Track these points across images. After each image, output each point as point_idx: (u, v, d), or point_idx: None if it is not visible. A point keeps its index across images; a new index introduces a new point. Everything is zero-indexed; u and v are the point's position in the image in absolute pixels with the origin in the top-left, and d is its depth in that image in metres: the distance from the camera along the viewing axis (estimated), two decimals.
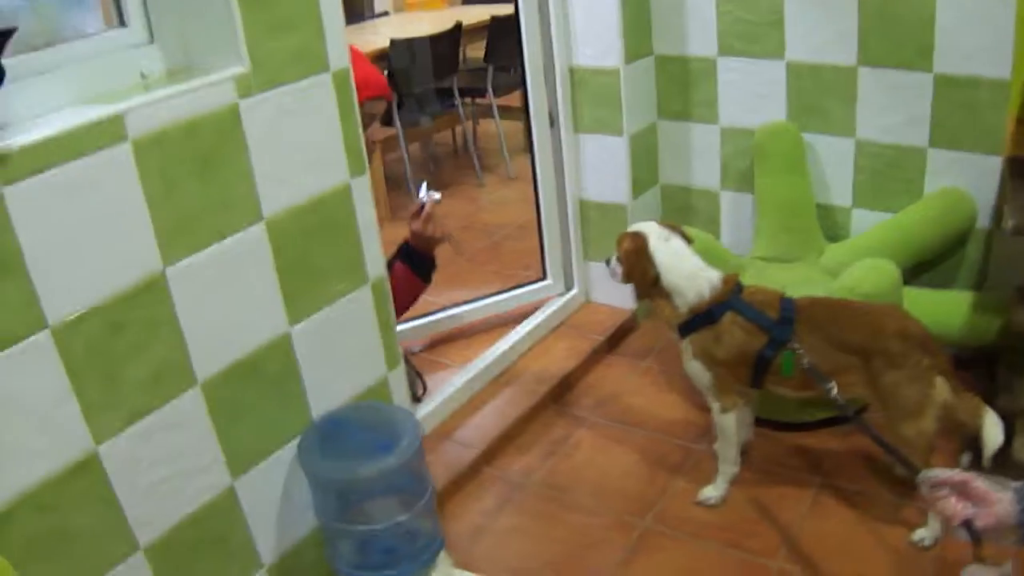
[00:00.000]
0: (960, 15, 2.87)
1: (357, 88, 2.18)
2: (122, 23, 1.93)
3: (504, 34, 5.46)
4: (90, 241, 1.67)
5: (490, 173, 5.89)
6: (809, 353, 2.36)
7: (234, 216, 1.94)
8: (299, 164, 2.07)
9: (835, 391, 2.26)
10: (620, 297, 3.68)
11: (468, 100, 5.98)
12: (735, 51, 3.38)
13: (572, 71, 3.43)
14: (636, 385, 3.37)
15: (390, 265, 2.51)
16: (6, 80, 1.55)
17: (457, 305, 3.65)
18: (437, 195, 2.70)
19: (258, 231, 2.00)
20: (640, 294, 2.65)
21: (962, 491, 1.63)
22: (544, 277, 3.72)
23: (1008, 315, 2.83)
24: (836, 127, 3.29)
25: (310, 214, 2.12)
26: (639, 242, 2.58)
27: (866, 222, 3.33)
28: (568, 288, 3.75)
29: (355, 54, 2.28)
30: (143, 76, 1.92)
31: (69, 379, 1.68)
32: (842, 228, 3.42)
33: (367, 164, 2.27)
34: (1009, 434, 2.32)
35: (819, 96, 3.28)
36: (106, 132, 1.66)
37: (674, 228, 2.66)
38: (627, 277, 2.62)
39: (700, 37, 3.43)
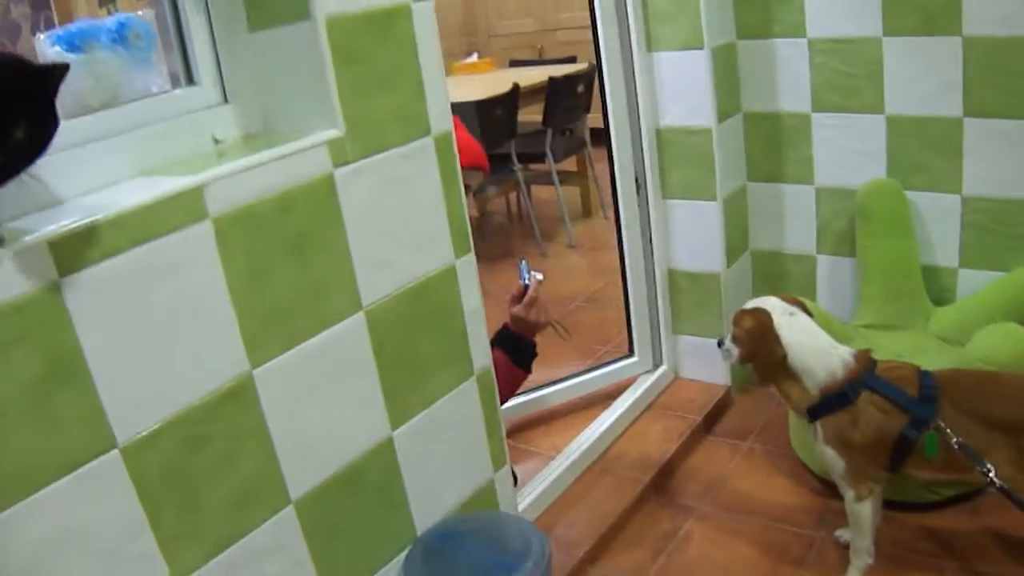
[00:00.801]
0: None
1: None
2: (191, 82, 1.59)
3: (562, 96, 5.12)
4: (164, 341, 1.31)
5: (550, 241, 5.48)
6: (954, 432, 2.04)
7: (330, 306, 1.57)
8: (401, 243, 1.71)
9: (993, 472, 1.94)
10: (712, 373, 3.32)
11: (523, 165, 5.59)
12: (831, 106, 3.02)
13: (659, 132, 3.07)
14: (742, 468, 2.98)
15: None
16: (60, 148, 1.20)
17: (540, 387, 3.24)
18: (540, 275, 2.38)
19: (357, 322, 1.63)
20: (763, 377, 2.30)
21: None
22: (631, 354, 3.33)
23: None
24: (941, 183, 2.94)
25: (413, 301, 1.75)
26: (764, 319, 2.23)
27: (973, 283, 2.98)
28: (657, 364, 3.36)
29: None
30: (216, 141, 1.58)
31: (143, 507, 1.30)
32: (947, 290, 3.04)
33: (472, 242, 1.90)
34: None
35: (922, 151, 2.92)
36: (181, 209, 1.31)
37: (796, 301, 2.33)
38: (748, 358, 2.28)
39: (793, 92, 3.08)
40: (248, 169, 1.40)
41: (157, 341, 1.29)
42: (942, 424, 2.04)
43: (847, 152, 3.05)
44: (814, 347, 2.21)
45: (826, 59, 2.95)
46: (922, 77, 2.83)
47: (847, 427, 2.17)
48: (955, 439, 2.00)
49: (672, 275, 3.27)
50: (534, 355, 2.38)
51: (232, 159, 1.44)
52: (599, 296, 4.27)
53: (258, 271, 1.43)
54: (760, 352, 2.23)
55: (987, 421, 2.07)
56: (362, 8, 1.57)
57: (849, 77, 2.94)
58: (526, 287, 2.33)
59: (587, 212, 5.79)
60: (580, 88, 5.31)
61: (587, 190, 5.76)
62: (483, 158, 2.24)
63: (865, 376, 2.17)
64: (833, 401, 2.18)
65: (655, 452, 2.94)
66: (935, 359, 2.64)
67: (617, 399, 3.18)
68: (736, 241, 3.24)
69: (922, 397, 2.12)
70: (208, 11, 1.56)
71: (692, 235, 3.17)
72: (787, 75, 3.05)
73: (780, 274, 3.35)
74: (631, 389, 3.24)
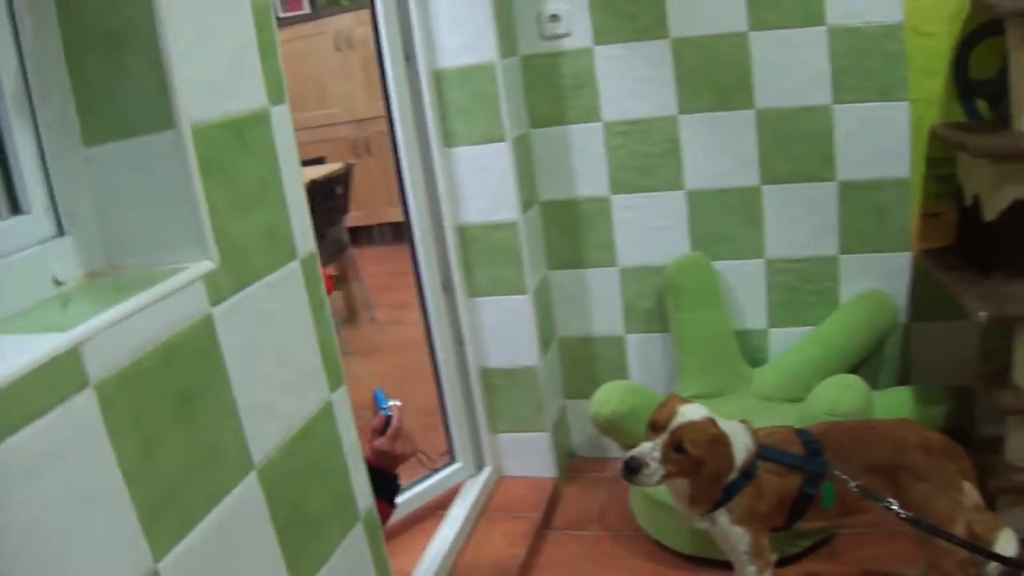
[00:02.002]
0: (858, 123, 2.74)
1: None
2: (17, 210, 1.24)
3: (323, 198, 4.87)
4: (57, 549, 0.97)
5: None
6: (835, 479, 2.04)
7: (224, 470, 1.27)
8: (282, 385, 1.44)
9: (896, 505, 1.90)
10: (536, 467, 3.15)
11: None
12: (630, 187, 2.99)
13: (461, 229, 2.91)
14: (596, 557, 2.81)
15: None
16: None
17: None
18: (399, 402, 2.11)
19: (251, 485, 1.33)
20: (704, 490, 2.07)
21: None
22: (452, 459, 3.10)
23: (946, 405, 2.77)
24: (744, 250, 2.97)
25: (298, 449, 1.47)
26: (716, 430, 2.06)
27: (784, 340, 3.03)
28: (480, 467, 3.15)
29: None
30: (58, 283, 1.24)
31: None
32: (760, 351, 3.08)
33: (343, 373, 1.65)
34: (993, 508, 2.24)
35: (724, 221, 2.95)
36: (58, 378, 0.99)
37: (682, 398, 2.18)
38: (687, 473, 2.05)
39: (590, 177, 3.02)
40: (126, 318, 1.10)
41: (50, 551, 0.96)
42: (837, 473, 2.01)
43: (649, 231, 3.01)
44: (736, 439, 2.09)
45: (623, 141, 2.92)
46: (719, 150, 2.85)
47: (754, 501, 2.08)
48: (853, 483, 1.97)
49: (485, 373, 3.09)
50: (398, 488, 2.12)
51: (89, 305, 1.13)
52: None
53: (148, 442, 1.12)
54: (725, 463, 2.05)
55: (865, 466, 2.07)
56: (225, 114, 1.31)
57: (647, 157, 2.92)
58: (388, 417, 2.08)
59: (352, 316, 5.52)
60: (339, 189, 5.10)
61: (350, 293, 5.50)
62: (328, 284, 1.98)
63: (759, 447, 2.09)
64: (740, 481, 2.07)
65: (505, 558, 2.72)
66: (766, 419, 2.62)
67: (449, 509, 2.93)
68: (545, 331, 3.12)
69: (810, 453, 2.09)
70: (35, 121, 1.24)
71: (503, 331, 3.01)
72: (584, 160, 2.99)
73: (590, 358, 3.26)
74: (460, 496, 3.00)
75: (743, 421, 2.18)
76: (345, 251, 5.28)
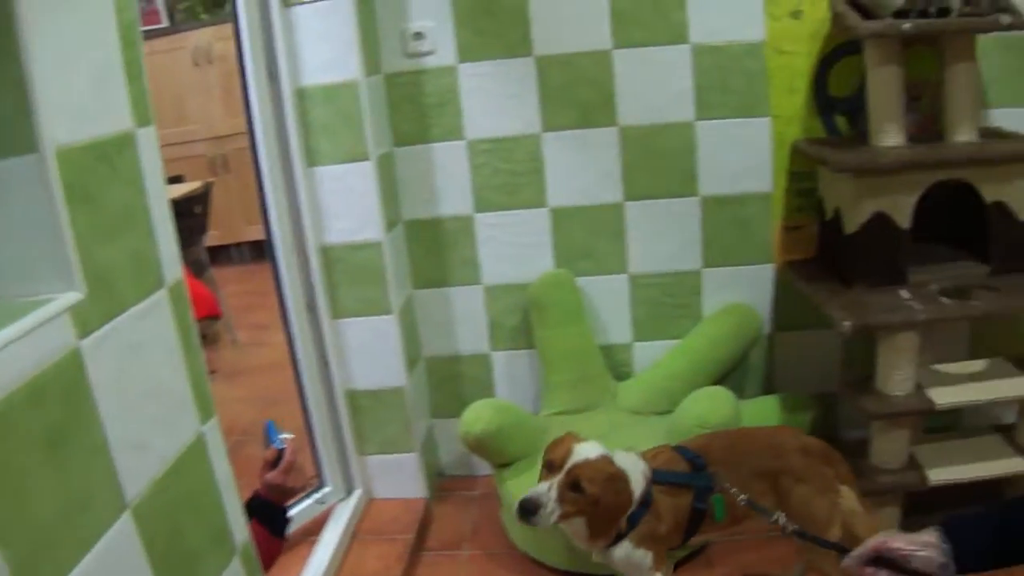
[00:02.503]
0: (720, 140, 2.81)
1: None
2: None
3: (182, 218, 4.69)
4: None
5: None
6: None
7: (98, 512, 1.21)
8: (153, 418, 1.38)
9: (782, 519, 1.88)
10: (405, 488, 3.11)
11: None
12: (494, 205, 2.99)
13: (325, 250, 2.85)
14: None
15: None
16: None
17: None
18: (291, 435, 2.05)
19: (126, 525, 1.27)
20: (602, 527, 2.04)
21: (888, 559, 1.42)
22: (322, 483, 3.03)
23: (812, 412, 2.87)
24: (608, 266, 3.02)
25: (172, 484, 1.41)
26: (613, 468, 2.02)
27: (648, 354, 3.09)
28: (350, 490, 3.09)
29: None
30: None
31: None
32: (624, 365, 3.12)
33: (213, 403, 1.59)
34: None
35: (587, 238, 2.99)
36: None
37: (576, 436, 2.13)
38: (585, 512, 1.99)
39: (454, 195, 3.00)
40: None
41: None
42: (727, 486, 2.03)
43: (513, 248, 3.02)
44: (632, 472, 2.06)
45: (487, 159, 2.92)
46: (583, 168, 2.88)
47: (653, 524, 2.07)
48: (741, 497, 1.98)
49: (352, 395, 3.04)
50: (288, 522, 2.05)
51: None
52: (256, 430, 3.90)
53: (18, 490, 1.05)
54: (610, 501, 1.99)
55: (748, 474, 2.11)
56: (90, 137, 1.24)
57: (511, 175, 2.92)
58: (280, 451, 2.01)
59: (214, 338, 5.34)
60: (198, 209, 4.94)
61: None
62: (216, 307, 1.91)
63: (651, 473, 2.09)
64: (640, 512, 2.06)
65: None
66: (633, 432, 2.70)
67: (321, 534, 2.86)
68: (411, 351, 3.09)
69: (695, 469, 2.11)
70: None
71: (369, 352, 2.96)
72: (447, 179, 2.97)
73: (456, 377, 3.24)
74: (332, 521, 2.93)
75: (640, 452, 2.17)
76: (204, 272, 5.12)
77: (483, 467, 3.10)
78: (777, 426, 2.38)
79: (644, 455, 2.15)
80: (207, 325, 1.86)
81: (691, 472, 2.11)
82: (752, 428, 2.37)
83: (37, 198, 1.15)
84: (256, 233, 6.27)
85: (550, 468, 2.00)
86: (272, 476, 1.97)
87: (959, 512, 1.87)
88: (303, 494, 2.12)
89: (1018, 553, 1.63)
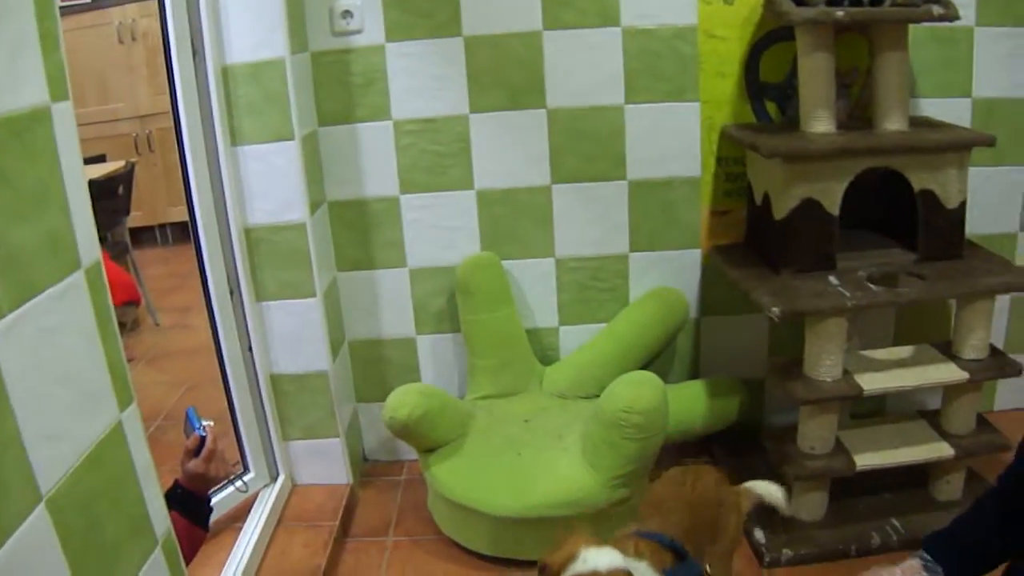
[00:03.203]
0: (649, 124, 2.82)
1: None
2: None
3: (103, 199, 4.57)
4: None
5: None
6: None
7: (10, 505, 1.15)
8: (67, 406, 1.31)
9: None
10: (330, 474, 3.07)
11: None
12: (420, 186, 2.96)
13: (248, 231, 2.79)
14: (397, 563, 2.76)
15: None
16: None
17: None
18: (211, 422, 2.00)
19: (39, 519, 1.21)
20: None
21: None
22: (247, 469, 2.97)
23: (739, 397, 2.93)
24: (534, 250, 3.01)
25: (89, 474, 1.35)
26: None
27: (575, 338, 3.10)
28: (274, 476, 3.04)
29: None
30: None
31: None
32: (551, 349, 3.13)
33: (133, 390, 1.54)
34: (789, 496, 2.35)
35: (514, 221, 2.97)
36: None
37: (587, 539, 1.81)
38: None
39: (378, 176, 2.96)
40: None
41: None
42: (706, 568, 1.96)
43: (439, 231, 2.99)
44: None
45: (413, 140, 2.88)
46: (510, 149, 2.86)
47: None
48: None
49: (275, 380, 2.98)
50: (210, 511, 2.00)
51: None
52: (178, 414, 3.82)
53: None
54: None
55: (701, 531, 2.01)
56: (2, 112, 1.18)
57: (437, 156, 2.89)
58: (202, 438, 1.95)
59: (134, 322, 5.20)
60: (121, 189, 4.80)
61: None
62: (136, 292, 1.84)
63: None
64: None
65: (307, 569, 2.62)
66: (557, 417, 2.70)
67: (246, 521, 2.80)
68: (335, 335, 3.04)
69: (678, 556, 1.88)
70: None
71: (292, 335, 2.90)
72: (372, 159, 2.92)
73: (380, 360, 3.20)
74: (256, 507, 2.87)
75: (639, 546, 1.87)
76: (127, 254, 4.98)
77: (408, 452, 3.08)
78: (704, 475, 2.17)
79: (626, 547, 1.82)
80: (126, 311, 1.78)
81: (683, 563, 1.88)
82: (687, 487, 2.12)
83: None
84: (180, 214, 6.10)
85: (544, 573, 1.67)
86: (194, 464, 1.92)
87: (936, 530, 1.92)
88: (226, 482, 2.06)
89: (1003, 552, 1.67)
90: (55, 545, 1.23)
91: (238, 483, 2.15)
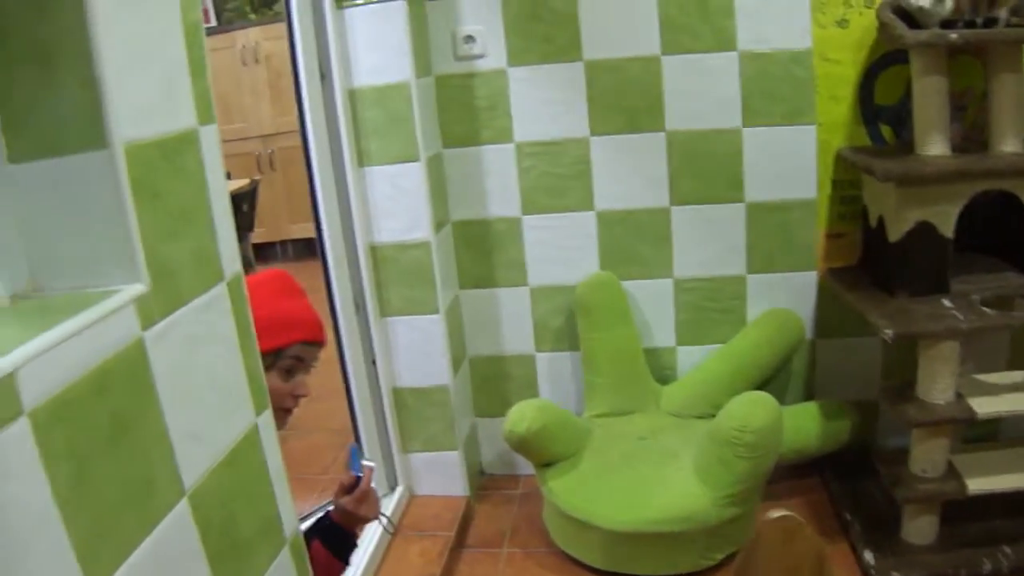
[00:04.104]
0: (766, 146, 2.81)
1: (286, 328, 1.66)
2: None
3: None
4: None
5: None
6: None
7: (157, 498, 1.24)
8: (210, 409, 1.40)
9: None
10: (448, 486, 3.15)
11: None
12: (541, 207, 3.02)
13: (373, 249, 2.89)
14: (511, 574, 2.82)
15: (307, 541, 1.80)
16: None
17: None
18: (373, 463, 2.05)
19: (182, 511, 1.30)
20: None
21: None
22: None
23: (852, 419, 2.90)
24: (653, 270, 3.03)
25: (227, 473, 1.44)
26: None
27: (692, 358, 3.10)
28: (393, 487, 3.13)
29: (285, 282, 1.67)
30: None
31: None
32: (668, 368, 3.13)
33: (272, 404, 1.62)
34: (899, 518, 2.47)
35: (633, 242, 3.00)
36: None
37: None
38: None
39: (501, 197, 3.04)
40: (61, 343, 1.06)
41: None
42: None
43: (559, 250, 3.04)
44: None
45: (534, 162, 2.94)
46: (629, 172, 2.89)
47: None
48: None
49: (397, 393, 3.07)
50: (354, 547, 2.04)
51: (18, 328, 1.08)
52: (301, 424, 3.96)
53: (83, 472, 1.08)
54: None
55: None
56: (156, 134, 1.27)
57: (558, 178, 2.95)
58: (357, 477, 2.01)
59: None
60: (245, 207, 5.02)
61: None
62: (322, 332, 1.92)
63: None
64: None
65: None
66: (673, 435, 2.71)
67: (365, 530, 2.89)
68: (457, 350, 3.12)
69: None
70: None
71: (415, 351, 3.00)
72: (495, 181, 3.00)
73: (501, 376, 3.27)
74: None
75: None
76: (251, 270, 5.19)
77: (525, 466, 3.13)
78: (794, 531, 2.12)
79: None
80: (309, 351, 1.83)
81: None
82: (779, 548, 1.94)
83: (106, 193, 1.18)
84: (301, 231, 6.34)
85: None
86: (345, 502, 1.97)
87: None
88: (373, 522, 2.11)
89: None
90: (195, 538, 1.32)
91: (384, 521, 2.19)
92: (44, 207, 1.22)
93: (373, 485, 2.04)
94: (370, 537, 2.83)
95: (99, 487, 1.11)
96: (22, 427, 0.98)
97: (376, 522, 2.12)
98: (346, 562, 2.03)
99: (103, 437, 1.12)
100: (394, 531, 2.43)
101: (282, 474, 1.64)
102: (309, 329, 1.85)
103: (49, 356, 1.03)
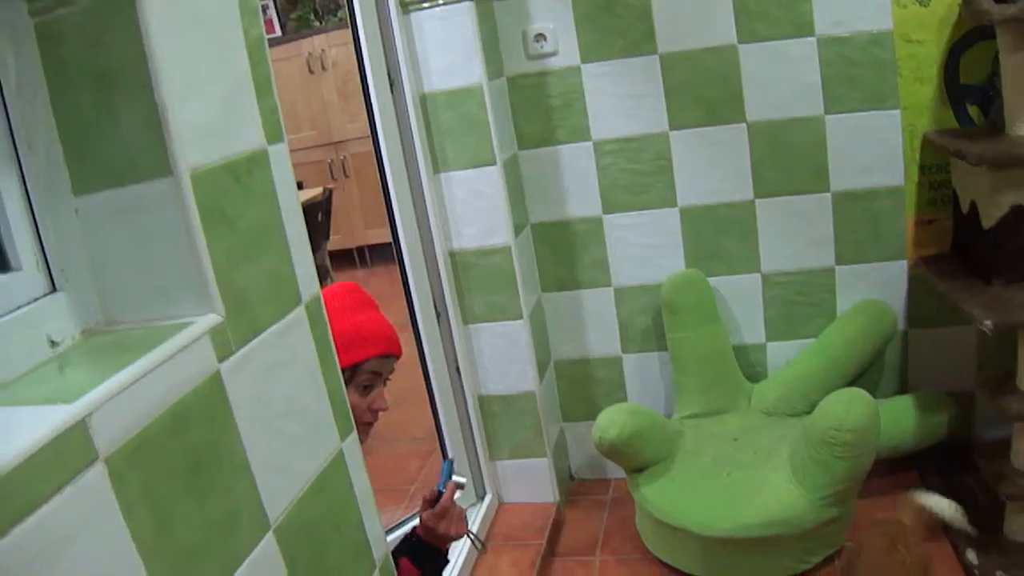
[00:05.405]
0: (850, 133, 2.68)
1: (362, 343, 1.63)
2: (5, 267, 1.15)
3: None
4: None
5: None
6: None
7: (241, 533, 1.19)
8: (293, 438, 1.36)
9: None
10: (537, 493, 3.09)
11: None
12: (622, 206, 2.93)
13: (453, 255, 2.84)
14: None
15: (395, 559, 1.75)
16: None
17: None
18: (463, 479, 2.00)
19: (269, 546, 1.25)
20: None
21: None
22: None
23: (949, 412, 2.75)
24: (740, 265, 2.91)
25: (313, 502, 1.39)
26: None
27: (782, 354, 2.98)
28: (481, 495, 3.07)
29: (357, 295, 1.62)
30: (53, 344, 1.15)
31: None
32: (758, 366, 3.02)
33: (353, 419, 1.57)
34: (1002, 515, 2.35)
35: (718, 237, 2.89)
36: (66, 455, 0.90)
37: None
38: None
39: (580, 196, 2.96)
40: (133, 383, 1.01)
41: None
42: None
43: (642, 249, 2.95)
44: None
45: (613, 159, 2.86)
46: (711, 166, 2.79)
47: None
48: None
49: (483, 400, 3.02)
50: (445, 563, 1.99)
51: (89, 368, 1.05)
52: (384, 432, 3.93)
53: (163, 514, 1.03)
54: None
55: None
56: (223, 158, 1.23)
57: (638, 175, 2.86)
58: (439, 492, 1.95)
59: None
60: (320, 216, 5.02)
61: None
62: (398, 344, 1.88)
63: None
64: None
65: None
66: (766, 435, 2.61)
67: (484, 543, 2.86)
68: (542, 355, 3.05)
69: None
70: (21, 170, 1.15)
71: (500, 357, 2.94)
72: (574, 180, 2.93)
73: (587, 380, 3.19)
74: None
75: None
76: (328, 278, 5.21)
77: (615, 470, 3.05)
78: (899, 536, 2.02)
79: None
80: (384, 364, 1.79)
81: None
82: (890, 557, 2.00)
83: (174, 221, 1.13)
84: (378, 236, 6.34)
85: None
86: (426, 516, 1.93)
87: None
88: (459, 540, 2.05)
89: None
90: (283, 571, 1.27)
91: (472, 538, 2.12)
92: (112, 238, 1.18)
93: (458, 501, 1.98)
94: (459, 549, 2.77)
95: (180, 529, 1.06)
96: (98, 474, 0.94)
97: (465, 539, 2.06)
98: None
99: (182, 477, 1.08)
100: (483, 549, 2.36)
101: (369, 497, 1.60)
102: (385, 342, 1.80)
103: (122, 398, 0.99)
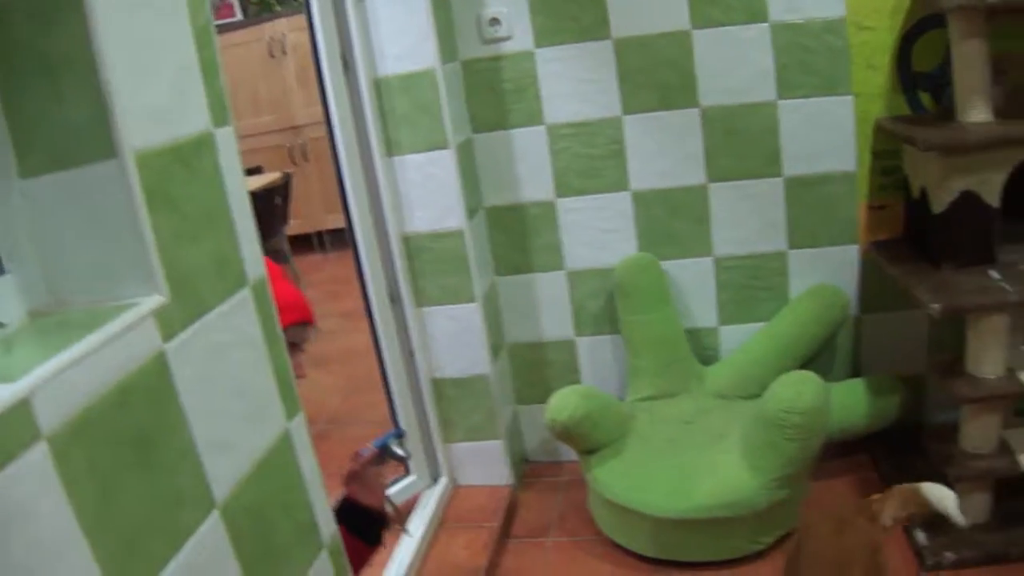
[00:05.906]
0: (802, 119, 2.73)
1: (279, 312, 1.56)
2: None
3: (262, 210, 4.76)
4: None
5: None
6: None
7: (186, 512, 1.22)
8: (238, 417, 1.38)
9: None
10: (491, 475, 3.11)
11: None
12: (575, 190, 2.96)
13: (407, 239, 2.86)
14: (558, 564, 2.78)
15: None
16: None
17: None
18: (401, 452, 2.04)
19: (214, 523, 1.28)
20: None
21: None
22: (408, 471, 3.05)
23: (900, 395, 2.81)
24: (692, 249, 2.96)
25: (259, 481, 1.42)
26: None
27: (734, 338, 3.02)
28: (435, 478, 3.11)
29: (270, 268, 1.63)
30: (0, 326, 1.17)
31: None
32: (710, 349, 3.07)
33: (299, 400, 1.60)
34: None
35: (671, 221, 2.94)
36: (8, 433, 0.92)
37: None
38: None
39: (534, 180, 2.98)
40: (77, 362, 1.04)
41: None
42: None
43: (595, 232, 2.99)
44: None
45: (567, 144, 2.89)
46: (664, 150, 2.83)
47: None
48: None
49: (437, 383, 3.05)
50: (382, 523, 1.97)
51: (35, 348, 1.07)
52: (341, 417, 3.96)
53: (107, 493, 1.06)
54: None
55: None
56: (169, 140, 1.25)
57: (592, 159, 2.89)
58: (356, 453, 1.96)
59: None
60: (278, 199, 5.01)
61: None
62: (309, 312, 1.90)
63: None
64: None
65: (468, 570, 2.68)
66: (719, 417, 2.66)
67: (408, 522, 2.88)
68: (495, 338, 3.09)
69: None
70: None
71: (453, 340, 2.96)
72: (527, 164, 2.95)
73: (541, 363, 3.23)
74: (418, 508, 2.95)
75: None
76: (286, 263, 5.21)
77: (568, 453, 3.08)
78: (845, 523, 2.01)
79: None
80: (298, 331, 1.81)
81: None
82: (827, 541, 2.00)
83: (119, 203, 1.16)
84: (337, 221, 6.33)
85: None
86: (342, 479, 1.93)
87: None
88: (389, 523, 2.04)
89: None
90: (228, 550, 1.30)
91: (393, 511, 2.06)
92: (58, 221, 1.20)
93: (416, 483, 1.98)
94: (413, 529, 2.81)
95: (125, 506, 1.09)
96: (40, 452, 0.97)
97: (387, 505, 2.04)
98: (373, 541, 1.95)
99: (126, 455, 1.10)
100: (404, 529, 2.29)
101: (317, 477, 1.63)
102: (298, 311, 1.83)
103: (65, 377, 1.02)
